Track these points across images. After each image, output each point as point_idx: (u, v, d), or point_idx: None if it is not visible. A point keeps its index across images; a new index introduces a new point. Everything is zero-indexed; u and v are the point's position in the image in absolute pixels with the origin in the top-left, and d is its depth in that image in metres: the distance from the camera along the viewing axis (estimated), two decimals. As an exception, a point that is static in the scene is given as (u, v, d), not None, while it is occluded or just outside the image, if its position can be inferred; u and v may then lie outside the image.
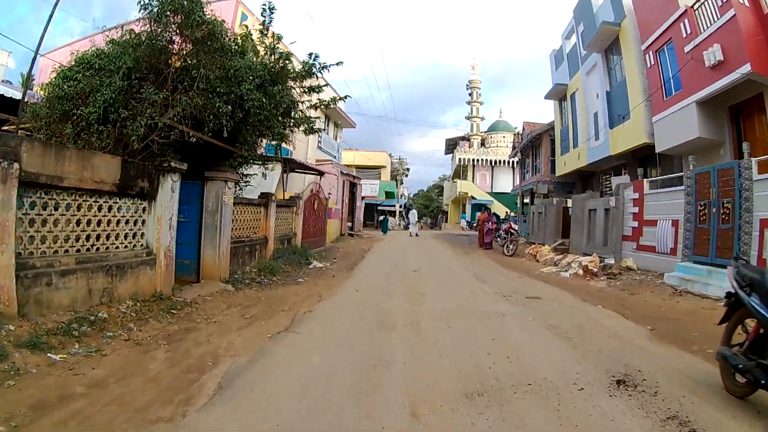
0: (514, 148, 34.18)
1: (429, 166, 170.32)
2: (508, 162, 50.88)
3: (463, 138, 57.24)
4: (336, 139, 31.13)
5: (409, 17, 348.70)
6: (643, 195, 13.16)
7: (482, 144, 55.37)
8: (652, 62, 15.11)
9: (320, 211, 17.67)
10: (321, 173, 19.65)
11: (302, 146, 26.26)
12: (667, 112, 14.06)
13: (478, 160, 51.76)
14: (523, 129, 31.06)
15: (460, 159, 51.65)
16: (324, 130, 28.48)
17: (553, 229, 21.46)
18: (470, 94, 59.33)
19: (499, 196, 50.12)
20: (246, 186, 11.48)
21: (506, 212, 37.15)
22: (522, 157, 34.39)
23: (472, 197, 49.84)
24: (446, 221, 58.04)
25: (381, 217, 46.33)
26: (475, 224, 28.33)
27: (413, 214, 33.00)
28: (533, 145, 29.94)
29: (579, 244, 16.95)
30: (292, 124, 10.42)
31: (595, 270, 11.85)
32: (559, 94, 25.66)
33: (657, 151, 15.16)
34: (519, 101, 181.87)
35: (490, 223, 21.01)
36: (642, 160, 17.98)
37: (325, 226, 18.72)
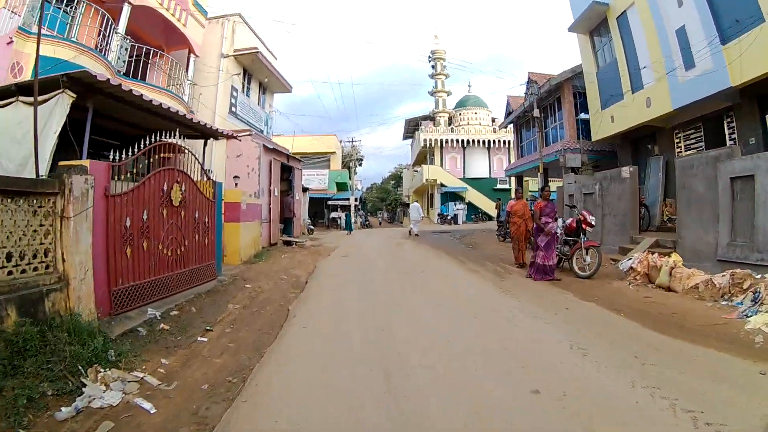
0: (508, 114, 25.51)
1: (380, 160, 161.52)
2: (483, 142, 42.56)
3: (426, 117, 48.42)
4: (263, 106, 21.54)
5: (361, 16, 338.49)
6: None
7: (450, 122, 46.69)
8: None
9: (197, 210, 8.26)
10: (207, 133, 9.92)
11: (206, 110, 16.76)
12: None
13: (446, 141, 43.10)
14: (528, 83, 22.40)
15: (425, 141, 42.86)
16: (242, 89, 18.95)
17: (620, 220, 12.90)
18: (433, 67, 50.34)
19: (475, 183, 41.85)
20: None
21: (498, 200, 28.60)
22: (518, 127, 25.78)
23: (442, 185, 41.19)
24: (406, 215, 49.10)
25: (335, 214, 37.19)
26: (502, 220, 19.29)
27: (416, 209, 23.80)
28: (544, 104, 21.32)
29: (702, 243, 9.23)
30: None
31: None
32: (594, 21, 17.07)
33: None
34: (486, 79, 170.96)
35: (550, 218, 10.02)
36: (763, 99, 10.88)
37: (217, 239, 9.26)
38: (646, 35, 14.28)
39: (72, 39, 10.47)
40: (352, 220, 35.64)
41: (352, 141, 37.72)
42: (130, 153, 6.20)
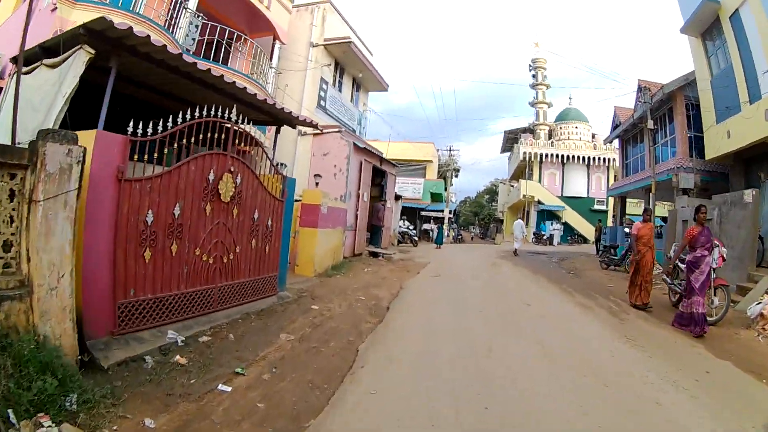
0: (615, 127, 22.23)
1: (475, 174, 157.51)
2: (583, 159, 38.84)
3: (526, 130, 45.16)
4: (356, 104, 20.16)
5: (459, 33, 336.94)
6: None
7: (549, 136, 43.30)
8: None
9: (257, 210, 6.67)
10: (280, 117, 8.22)
11: (291, 102, 15.59)
12: None
13: (546, 156, 39.76)
14: (639, 90, 19.22)
15: (524, 153, 39.81)
16: (332, 83, 17.64)
17: (738, 253, 10.17)
18: (534, 76, 46.90)
19: (572, 202, 38.25)
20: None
21: (599, 221, 25.38)
22: (624, 142, 22.46)
23: (539, 202, 37.91)
24: (499, 232, 46.18)
25: (428, 226, 35.29)
26: (607, 245, 17.06)
27: (519, 226, 21.73)
28: (654, 116, 18.17)
29: None
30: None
31: None
32: (706, 22, 14.27)
33: None
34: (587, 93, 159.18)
35: (707, 251, 7.24)
36: None
37: (283, 246, 7.60)
38: (761, 36, 11.34)
39: (134, 11, 9.45)
40: (444, 233, 33.60)
41: (450, 150, 35.64)
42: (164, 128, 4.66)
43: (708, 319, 7.13)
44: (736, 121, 12.81)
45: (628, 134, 21.42)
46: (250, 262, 6.57)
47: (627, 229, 16.64)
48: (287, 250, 7.96)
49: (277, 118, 8.00)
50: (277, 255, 7.43)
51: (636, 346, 5.75)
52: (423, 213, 35.36)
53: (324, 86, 16.83)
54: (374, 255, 16.05)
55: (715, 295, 7.40)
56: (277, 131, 8.42)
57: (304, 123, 8.28)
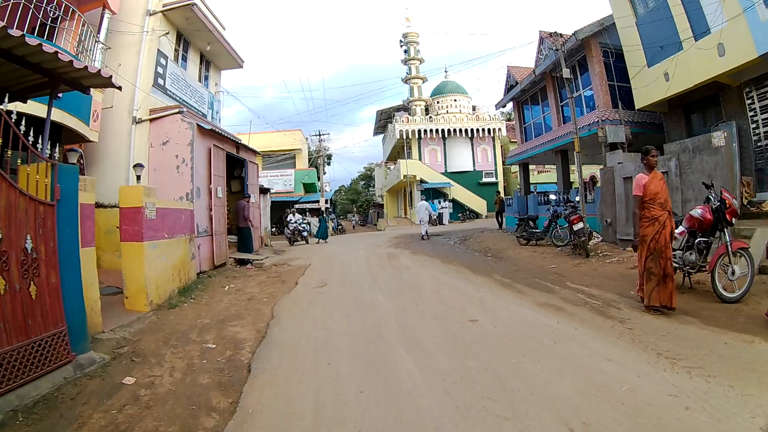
0: (510, 89, 21.07)
1: (347, 163, 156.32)
2: (465, 131, 38.44)
3: (400, 108, 43.74)
4: (206, 84, 16.70)
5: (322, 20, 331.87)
6: None
7: (427, 112, 42.28)
8: None
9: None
10: (47, 69, 5.05)
11: (125, 83, 12.01)
12: None
13: (425, 132, 38.64)
14: (541, 42, 18.22)
15: (400, 132, 38.36)
16: (174, 58, 14.24)
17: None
18: (406, 51, 45.40)
19: (458, 177, 37.74)
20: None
21: (498, 193, 24.53)
22: (520, 105, 21.50)
23: (422, 181, 36.73)
24: (381, 217, 44.63)
25: (296, 220, 32.35)
26: (522, 217, 15.51)
27: (424, 207, 20.09)
28: (556, 71, 17.22)
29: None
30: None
31: None
32: None
33: None
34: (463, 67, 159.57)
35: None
36: None
37: (69, 280, 4.61)
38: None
39: None
40: (327, 226, 31.04)
41: (320, 134, 32.89)
42: None
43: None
44: (676, 60, 11.75)
45: (526, 95, 20.31)
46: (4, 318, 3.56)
47: (577, 198, 14.91)
48: (79, 284, 4.94)
49: (44, 71, 4.83)
50: (57, 297, 4.46)
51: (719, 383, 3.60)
52: (297, 205, 32.49)
53: (163, 61, 13.28)
54: (242, 263, 13.13)
55: (734, 262, 5.88)
56: (53, 93, 5.23)
57: (90, 74, 5.14)
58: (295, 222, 21.46)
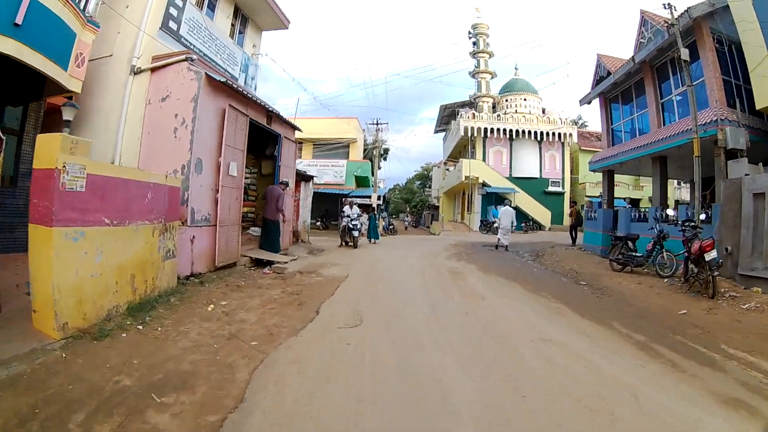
0: (599, 81, 17.14)
1: (405, 163, 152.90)
2: (534, 134, 34.42)
3: (465, 104, 39.93)
4: (240, 43, 13.79)
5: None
6: None
7: (493, 110, 38.34)
8: None
9: None
10: None
11: (130, 29, 9.29)
12: None
13: (491, 131, 34.78)
14: (643, 24, 14.35)
15: (465, 129, 34.61)
16: (196, 2, 11.42)
17: None
18: (474, 44, 41.26)
19: (523, 183, 33.75)
20: None
21: (574, 204, 20.40)
22: (607, 102, 17.50)
23: (484, 184, 32.92)
24: (436, 220, 41.15)
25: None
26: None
27: (509, 214, 17.11)
28: (660, 61, 13.37)
29: None
30: None
31: None
32: None
33: None
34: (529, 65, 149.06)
35: None
36: None
37: None
38: None
39: None
40: (377, 225, 27.90)
41: (378, 123, 29.70)
42: None
43: None
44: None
45: (617, 89, 16.38)
46: None
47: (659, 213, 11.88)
48: None
49: None
50: None
51: None
52: (348, 199, 29.47)
53: (179, 1, 10.46)
54: (261, 264, 10.11)
55: None
56: None
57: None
58: (348, 217, 17.18)
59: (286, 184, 11.80)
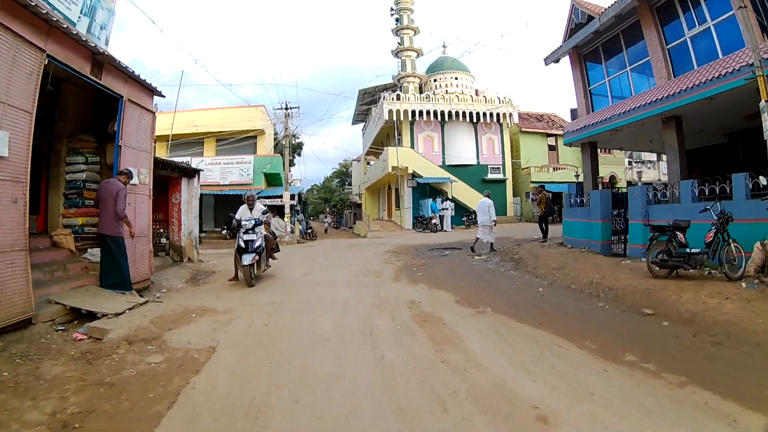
0: (573, 30, 13.64)
1: (320, 165, 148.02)
2: (470, 116, 31.38)
3: (387, 87, 35.90)
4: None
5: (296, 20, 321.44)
6: None
7: (420, 91, 34.66)
8: None
9: None
10: None
11: None
12: None
13: (420, 114, 31.12)
14: None
15: (390, 113, 30.71)
16: None
17: None
18: (398, 20, 37.21)
19: (459, 171, 30.51)
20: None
21: (541, 187, 16.85)
22: (581, 59, 14.31)
23: (414, 174, 29.28)
24: (359, 219, 37.31)
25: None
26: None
27: (487, 207, 13.96)
28: (655, 3, 10.30)
29: None
30: None
31: None
32: None
33: None
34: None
35: None
36: None
37: None
38: None
39: None
40: (287, 228, 23.35)
41: (287, 108, 25.00)
42: None
43: None
44: None
45: (597, 41, 13.16)
46: None
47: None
48: None
49: None
50: None
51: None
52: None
53: None
54: (81, 315, 5.61)
55: None
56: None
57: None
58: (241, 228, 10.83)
59: (129, 175, 7.23)
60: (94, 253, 7.66)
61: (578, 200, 13.19)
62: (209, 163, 25.43)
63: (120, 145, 7.36)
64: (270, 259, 9.84)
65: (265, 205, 10.29)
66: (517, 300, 6.97)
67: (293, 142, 29.00)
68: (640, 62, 11.74)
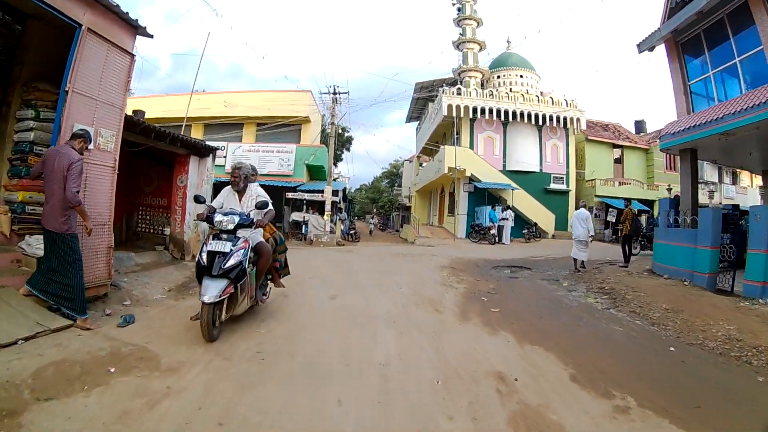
0: (673, 9, 10.79)
1: (367, 165, 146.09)
2: (535, 118, 28.16)
3: (446, 82, 32.92)
4: None
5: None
6: None
7: (482, 87, 31.50)
8: None
9: None
10: None
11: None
12: None
13: (482, 112, 28.01)
14: None
15: (450, 107, 27.59)
16: None
17: None
18: (459, 9, 34.07)
19: (520, 179, 27.26)
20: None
21: (628, 203, 13.74)
22: (680, 47, 11.21)
23: (472, 178, 26.29)
24: (407, 222, 34.36)
25: (297, 216, 22.50)
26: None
27: (584, 219, 11.57)
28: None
29: None
30: None
31: None
32: None
33: None
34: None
35: None
36: None
37: None
38: None
39: None
40: (326, 227, 21.00)
41: (335, 92, 22.66)
42: None
43: None
44: None
45: (698, 26, 10.21)
46: None
47: None
48: None
49: None
50: None
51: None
52: (290, 195, 22.54)
53: None
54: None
55: None
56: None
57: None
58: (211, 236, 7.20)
59: (87, 139, 4.93)
60: (32, 243, 5.41)
61: (670, 218, 10.23)
62: (247, 150, 23.45)
63: (67, 90, 5.01)
64: (269, 286, 6.18)
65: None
66: (654, 372, 4.21)
67: (342, 135, 26.62)
68: (752, 52, 8.79)
